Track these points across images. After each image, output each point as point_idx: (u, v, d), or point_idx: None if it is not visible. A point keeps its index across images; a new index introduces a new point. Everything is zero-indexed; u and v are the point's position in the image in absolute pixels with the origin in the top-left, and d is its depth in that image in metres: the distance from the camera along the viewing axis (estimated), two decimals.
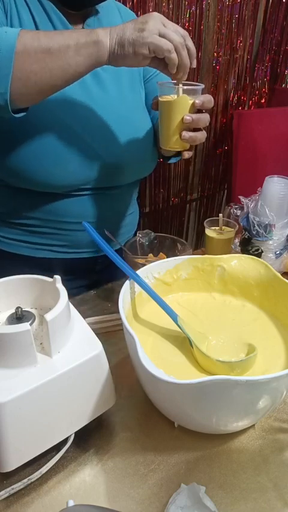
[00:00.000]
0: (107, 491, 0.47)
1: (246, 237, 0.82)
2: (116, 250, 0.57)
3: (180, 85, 0.63)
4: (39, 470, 0.47)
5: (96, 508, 0.41)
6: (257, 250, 0.80)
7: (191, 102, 0.64)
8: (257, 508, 0.46)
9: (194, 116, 0.65)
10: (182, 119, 0.64)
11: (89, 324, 0.52)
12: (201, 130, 0.68)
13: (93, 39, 0.58)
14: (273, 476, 0.49)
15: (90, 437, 0.53)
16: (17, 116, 0.61)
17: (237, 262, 0.65)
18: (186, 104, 0.64)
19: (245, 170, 1.76)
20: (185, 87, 0.64)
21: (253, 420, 0.53)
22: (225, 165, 1.97)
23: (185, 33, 0.60)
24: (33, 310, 0.53)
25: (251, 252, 0.81)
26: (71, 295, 0.52)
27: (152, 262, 0.64)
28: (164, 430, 0.54)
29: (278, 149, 1.75)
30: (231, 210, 0.86)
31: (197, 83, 0.65)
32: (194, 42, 0.62)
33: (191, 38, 0.61)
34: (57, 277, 0.51)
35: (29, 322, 0.48)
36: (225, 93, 1.80)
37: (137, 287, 0.59)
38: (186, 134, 0.66)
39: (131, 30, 0.58)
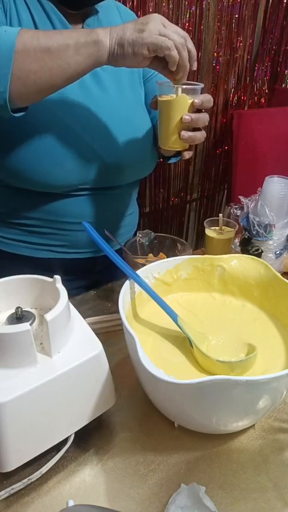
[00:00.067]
0: (107, 491, 0.47)
1: (246, 237, 0.82)
2: (116, 250, 0.57)
3: (180, 84, 0.63)
4: (39, 470, 0.47)
5: (96, 508, 0.41)
6: (257, 250, 0.80)
7: (190, 101, 0.64)
8: (257, 508, 0.46)
9: (193, 115, 0.65)
10: (181, 118, 0.64)
11: (89, 324, 0.52)
12: (201, 130, 0.68)
13: (93, 38, 0.58)
14: (273, 476, 0.49)
15: (90, 437, 0.53)
16: (16, 115, 0.61)
17: (237, 262, 0.65)
18: (185, 103, 0.64)
19: (245, 170, 1.76)
20: (184, 86, 0.63)
21: (253, 420, 0.53)
22: (225, 165, 1.97)
23: (186, 35, 0.60)
24: (33, 310, 0.53)
25: (251, 252, 0.81)
26: (71, 295, 0.52)
27: (152, 262, 0.64)
28: (164, 430, 0.54)
29: (278, 149, 1.75)
30: (231, 210, 0.86)
31: (196, 83, 0.65)
32: (194, 42, 0.62)
33: (191, 38, 0.61)
34: (57, 277, 0.51)
35: (29, 322, 0.48)
36: (225, 93, 1.80)
37: (137, 287, 0.59)
38: (185, 134, 0.66)
39: (131, 30, 0.57)
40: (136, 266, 0.67)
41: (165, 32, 0.57)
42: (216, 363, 0.51)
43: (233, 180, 1.81)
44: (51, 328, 0.45)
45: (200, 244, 2.05)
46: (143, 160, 0.86)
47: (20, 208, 0.81)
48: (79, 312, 0.54)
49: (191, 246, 0.77)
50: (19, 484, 0.46)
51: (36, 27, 0.71)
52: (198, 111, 0.66)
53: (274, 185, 0.78)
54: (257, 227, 0.79)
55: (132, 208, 0.94)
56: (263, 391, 0.45)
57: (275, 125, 1.75)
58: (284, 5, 1.75)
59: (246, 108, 1.91)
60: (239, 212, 0.84)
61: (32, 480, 0.46)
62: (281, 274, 0.61)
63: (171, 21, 0.60)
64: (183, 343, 0.56)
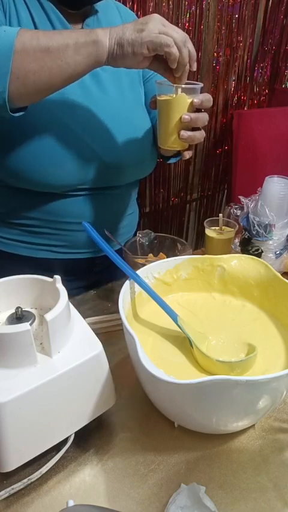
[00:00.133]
0: (107, 491, 0.47)
1: (246, 237, 0.82)
2: (116, 250, 0.57)
3: (179, 83, 0.63)
4: (39, 470, 0.47)
5: (96, 508, 0.41)
6: (257, 250, 0.80)
7: (189, 101, 0.64)
8: (257, 508, 0.46)
9: (193, 115, 0.64)
10: (181, 118, 0.64)
11: (89, 324, 0.52)
12: (200, 129, 0.68)
13: (93, 38, 0.58)
14: (273, 476, 0.49)
15: (90, 437, 0.53)
16: (15, 115, 0.61)
17: (237, 262, 0.65)
18: (184, 102, 0.64)
19: (245, 170, 1.76)
20: (184, 86, 0.63)
21: (253, 420, 0.53)
22: (225, 165, 1.97)
23: (185, 35, 0.60)
24: (33, 310, 0.53)
25: (251, 252, 0.81)
26: (71, 295, 0.52)
27: (152, 262, 0.64)
28: (164, 430, 0.54)
29: (278, 149, 1.75)
30: (231, 210, 0.86)
31: (195, 82, 0.65)
32: (194, 42, 0.62)
33: (191, 38, 0.61)
34: (57, 277, 0.51)
35: (29, 322, 0.48)
36: (225, 93, 1.80)
37: (137, 287, 0.59)
38: (184, 133, 0.65)
39: (131, 30, 0.57)
40: (136, 266, 0.67)
41: (165, 31, 0.57)
42: (216, 363, 0.51)
43: (233, 180, 1.81)
44: (51, 328, 0.45)
45: (200, 244, 2.05)
46: (143, 161, 0.86)
47: (19, 208, 0.81)
48: (79, 312, 0.54)
49: (191, 246, 0.77)
50: (19, 484, 0.46)
51: (35, 27, 0.71)
52: (198, 110, 0.66)
53: (274, 185, 0.78)
54: (257, 227, 0.79)
55: (132, 208, 0.94)
56: (263, 391, 0.45)
57: (275, 125, 1.75)
58: (284, 5, 1.75)
59: (246, 108, 1.91)
60: (239, 212, 0.84)
61: (32, 480, 0.46)
62: (281, 274, 0.61)
63: (171, 21, 0.60)
64: (183, 343, 0.56)
